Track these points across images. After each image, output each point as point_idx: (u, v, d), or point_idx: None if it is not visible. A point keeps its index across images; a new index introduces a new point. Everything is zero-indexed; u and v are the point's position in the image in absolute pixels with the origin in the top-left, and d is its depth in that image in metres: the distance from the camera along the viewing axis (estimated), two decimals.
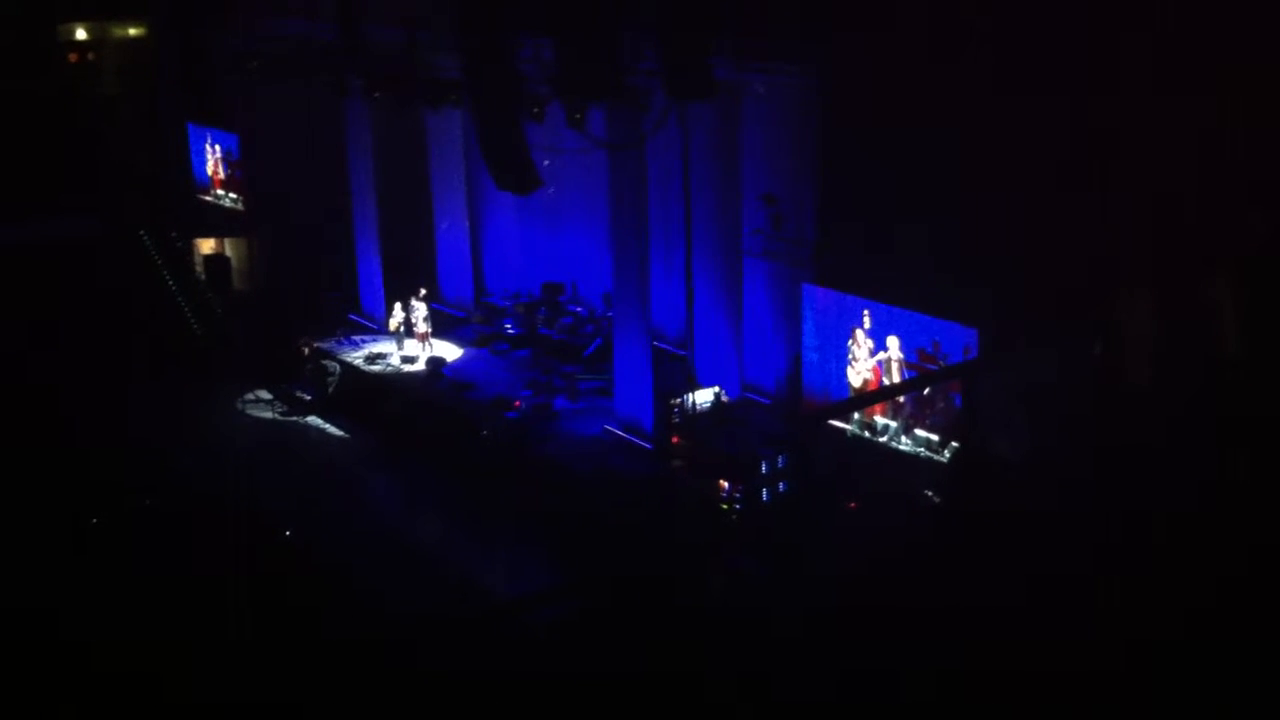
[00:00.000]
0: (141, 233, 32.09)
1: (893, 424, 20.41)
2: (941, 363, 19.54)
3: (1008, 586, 13.47)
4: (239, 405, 27.18)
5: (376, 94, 25.47)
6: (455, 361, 27.24)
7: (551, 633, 16.89)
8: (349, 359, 27.73)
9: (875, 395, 20.70)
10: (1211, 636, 12.40)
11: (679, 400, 21.90)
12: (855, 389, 20.98)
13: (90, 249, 30.79)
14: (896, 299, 20.18)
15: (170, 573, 18.61)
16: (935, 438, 19.76)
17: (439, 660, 15.54)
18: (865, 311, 20.65)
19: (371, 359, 27.61)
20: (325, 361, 27.62)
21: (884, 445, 20.44)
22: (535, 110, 20.74)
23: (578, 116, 20.18)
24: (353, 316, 29.87)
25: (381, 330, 28.73)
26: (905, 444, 20.22)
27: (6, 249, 29.64)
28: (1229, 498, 14.24)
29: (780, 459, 20.04)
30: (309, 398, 27.16)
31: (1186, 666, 12.21)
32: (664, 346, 25.20)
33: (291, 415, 26.76)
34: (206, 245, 33.43)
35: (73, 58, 36.66)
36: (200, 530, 20.31)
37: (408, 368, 27.08)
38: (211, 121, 33.52)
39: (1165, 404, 16.05)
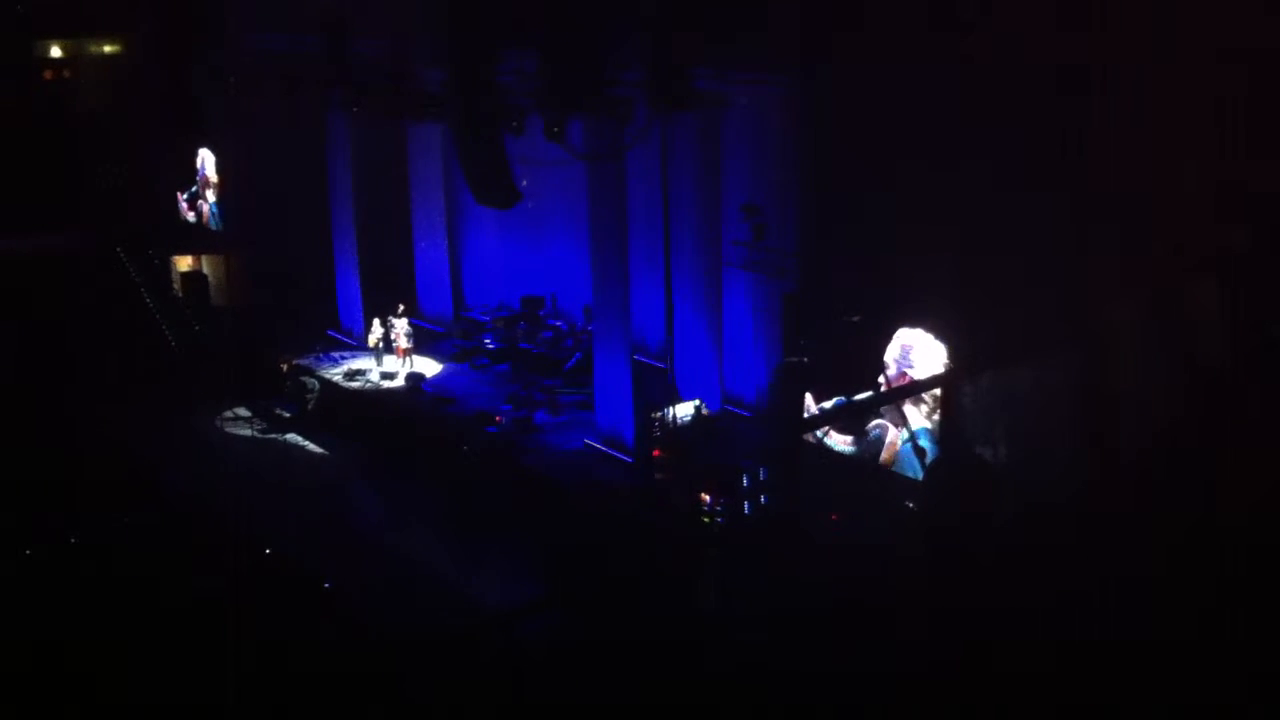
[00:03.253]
0: (118, 249, 31.89)
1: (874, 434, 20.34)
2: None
3: (999, 590, 13.45)
4: (218, 422, 26.99)
5: (355, 108, 25.35)
6: (435, 377, 27.12)
7: (540, 643, 16.81)
8: (328, 375, 27.56)
9: (858, 405, 20.62)
10: (1209, 637, 12.38)
11: (660, 413, 21.82)
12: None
13: (67, 265, 30.60)
14: (881, 311, 20.11)
15: (157, 586, 18.48)
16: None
17: (432, 670, 15.46)
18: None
19: (351, 375, 27.45)
20: (304, 378, 27.46)
21: (866, 456, 20.39)
22: (515, 123, 20.66)
23: (557, 129, 20.09)
24: (331, 333, 29.70)
25: (360, 346, 28.58)
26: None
27: None
28: (1223, 500, 14.25)
29: (762, 471, 19.96)
30: (288, 415, 26.99)
31: (1184, 667, 12.19)
32: (645, 359, 25.10)
33: (270, 432, 26.59)
34: (184, 262, 33.24)
35: (48, 75, 36.45)
36: (184, 545, 20.18)
37: (387, 384, 26.94)
38: (191, 138, 33.31)
39: (1154, 408, 16.07)
